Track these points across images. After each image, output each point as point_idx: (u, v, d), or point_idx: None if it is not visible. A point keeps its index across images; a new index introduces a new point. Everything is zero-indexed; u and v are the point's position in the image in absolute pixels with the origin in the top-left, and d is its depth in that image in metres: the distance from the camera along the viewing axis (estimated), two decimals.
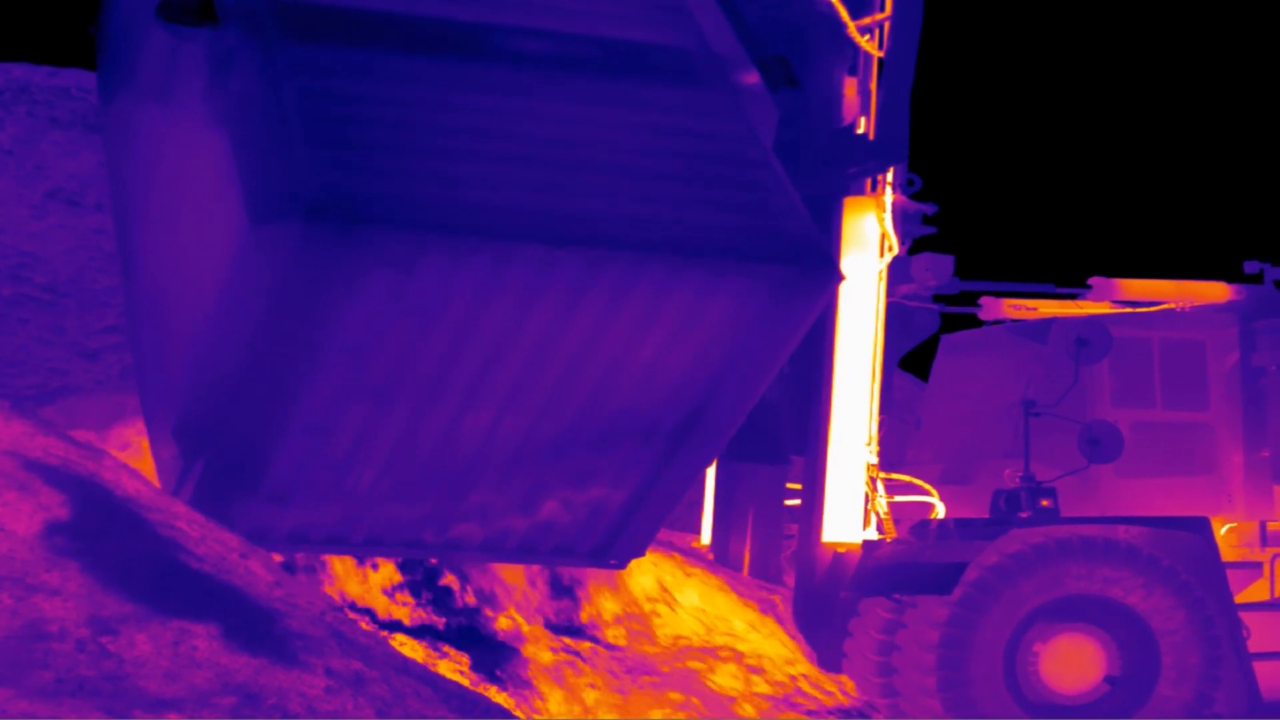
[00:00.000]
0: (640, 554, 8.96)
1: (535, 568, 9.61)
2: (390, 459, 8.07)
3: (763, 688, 9.72)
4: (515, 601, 9.45)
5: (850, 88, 11.32)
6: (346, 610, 8.75)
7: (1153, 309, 12.52)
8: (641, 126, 8.02)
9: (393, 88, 7.73)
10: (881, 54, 11.22)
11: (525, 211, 7.44)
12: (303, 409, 7.75)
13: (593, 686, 9.24)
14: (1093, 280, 12.60)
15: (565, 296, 7.58)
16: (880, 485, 11.24)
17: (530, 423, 8.05)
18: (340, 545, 8.53)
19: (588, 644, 9.57)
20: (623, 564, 8.96)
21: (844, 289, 11.13)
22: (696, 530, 12.55)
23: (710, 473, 11.98)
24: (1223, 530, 12.19)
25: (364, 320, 7.46)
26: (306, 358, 7.55)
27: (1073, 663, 11.49)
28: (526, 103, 7.93)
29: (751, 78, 8.47)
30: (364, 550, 8.70)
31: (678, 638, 9.91)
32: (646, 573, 10.19)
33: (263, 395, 7.68)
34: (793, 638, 10.65)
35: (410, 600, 9.12)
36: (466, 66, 7.99)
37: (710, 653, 9.89)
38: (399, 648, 8.31)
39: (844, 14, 11.04)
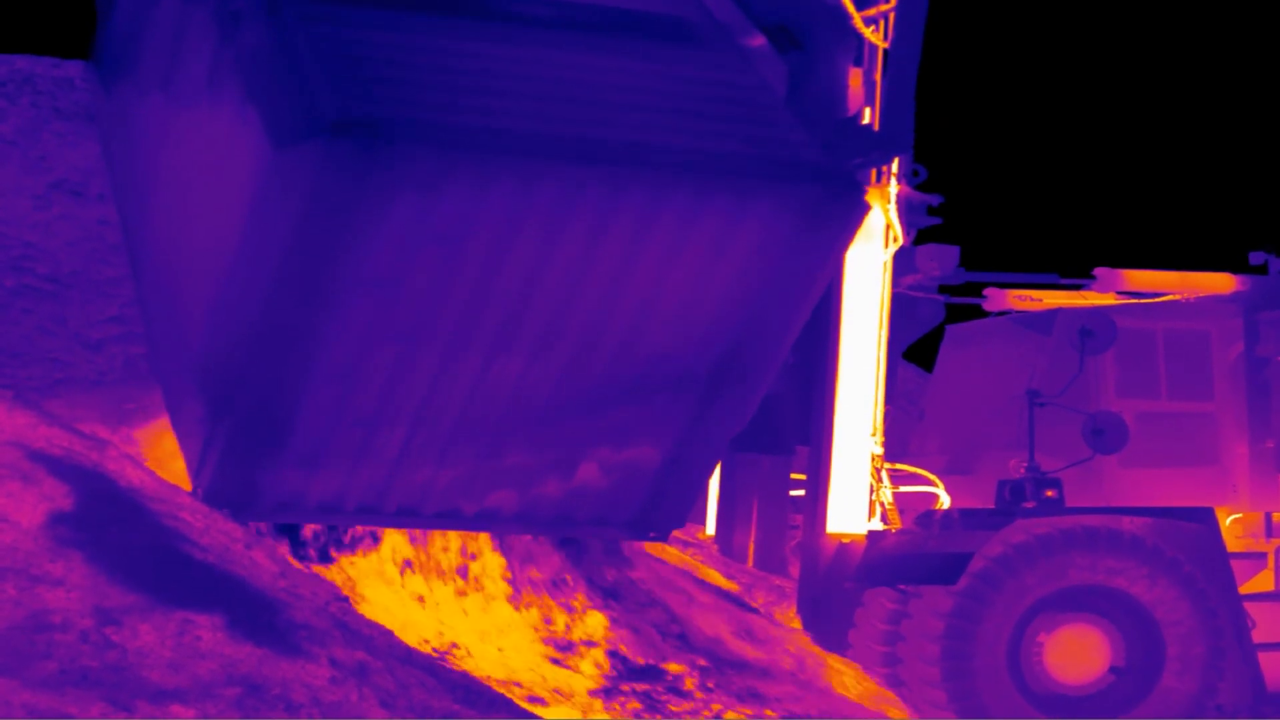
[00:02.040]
0: (679, 525, 8.78)
1: None
2: (421, 413, 7.93)
3: None
4: None
5: (855, 78, 11.28)
6: None
7: (1158, 300, 12.50)
8: (652, 75, 8.05)
9: (402, 37, 7.74)
10: (886, 45, 11.19)
11: (549, 137, 7.44)
12: (328, 353, 7.60)
13: None
14: (1097, 271, 12.58)
15: (592, 222, 7.54)
16: (885, 476, 11.23)
17: (562, 370, 7.94)
18: (372, 516, 8.34)
19: None
20: (663, 536, 8.82)
21: (848, 280, 11.12)
22: (701, 521, 12.55)
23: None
24: (1227, 521, 12.18)
25: (390, 251, 7.38)
26: (331, 294, 7.44)
27: (1077, 653, 11.48)
28: (537, 52, 7.94)
29: (757, 41, 8.49)
30: (397, 521, 8.50)
31: None
32: None
33: (287, 339, 7.55)
34: None
35: None
36: (472, 23, 8.01)
37: None
38: None
39: (849, 5, 11.01)
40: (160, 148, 8.90)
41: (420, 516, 8.39)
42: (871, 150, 11.16)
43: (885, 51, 11.26)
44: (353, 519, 8.46)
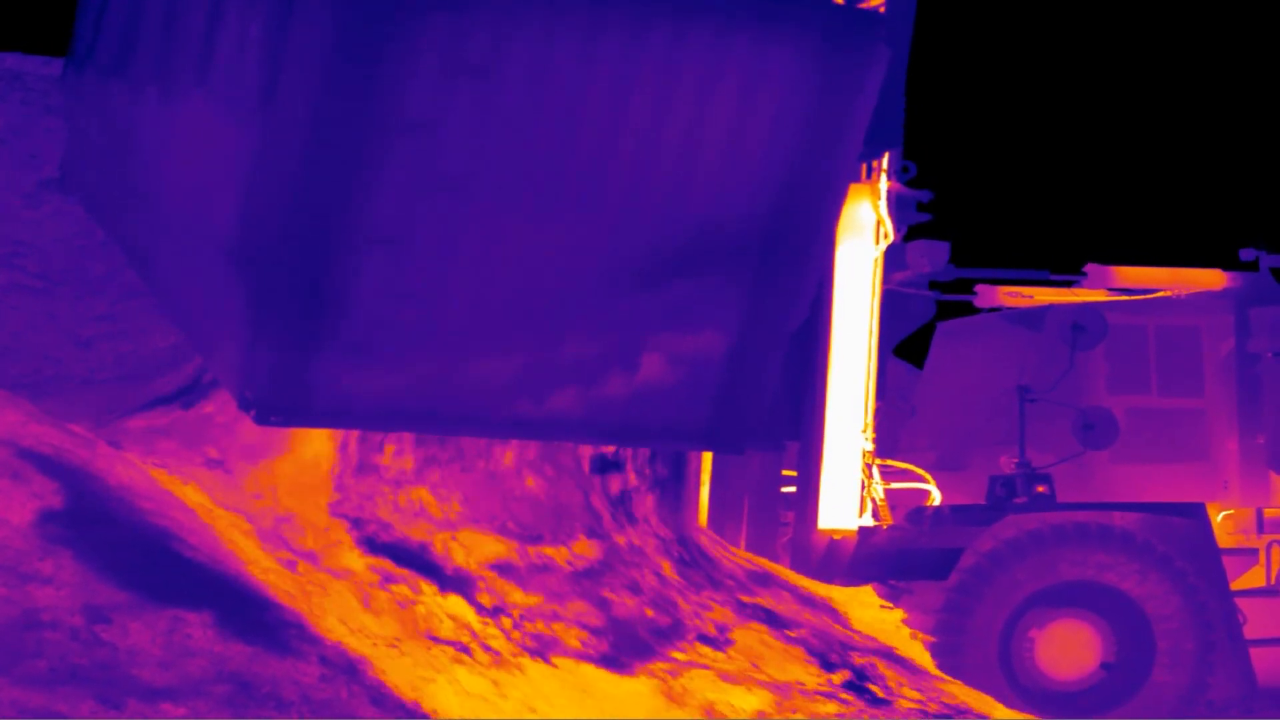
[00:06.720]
0: (752, 437, 8.46)
1: None
2: (473, 287, 7.78)
3: None
4: None
5: None
6: None
7: (1148, 296, 12.51)
8: None
9: None
10: None
11: None
12: (372, 212, 7.46)
13: None
14: (1088, 267, 12.60)
15: (621, 56, 7.60)
16: (876, 471, 11.24)
17: (610, 234, 7.89)
18: (431, 422, 8.06)
19: None
20: (737, 449, 8.71)
21: (839, 276, 11.11)
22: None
23: (706, 459, 11.97)
24: (1218, 517, 12.19)
25: (425, 88, 7.36)
26: (370, 143, 7.36)
27: (1068, 649, 11.50)
28: None
29: None
30: (457, 429, 8.25)
31: None
32: None
33: (329, 199, 7.40)
34: None
35: None
36: None
37: None
38: None
39: None
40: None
41: (483, 424, 8.12)
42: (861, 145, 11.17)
43: None
44: (411, 424, 8.14)
